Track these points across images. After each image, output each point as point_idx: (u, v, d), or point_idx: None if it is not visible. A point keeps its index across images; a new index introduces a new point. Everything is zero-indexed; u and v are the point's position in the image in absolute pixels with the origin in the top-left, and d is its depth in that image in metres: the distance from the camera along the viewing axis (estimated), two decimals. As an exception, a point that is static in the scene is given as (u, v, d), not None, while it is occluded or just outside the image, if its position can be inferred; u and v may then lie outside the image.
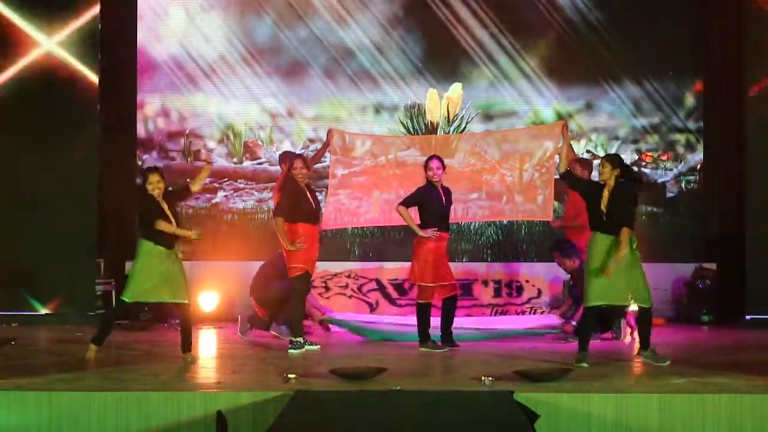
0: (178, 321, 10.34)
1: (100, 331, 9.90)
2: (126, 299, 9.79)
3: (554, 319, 12.06)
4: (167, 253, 9.76)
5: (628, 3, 13.65)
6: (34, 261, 12.67)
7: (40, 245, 12.64)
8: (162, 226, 9.68)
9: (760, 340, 10.04)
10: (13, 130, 12.85)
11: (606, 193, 9.66)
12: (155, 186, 9.72)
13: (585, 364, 9.61)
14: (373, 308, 13.28)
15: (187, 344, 9.96)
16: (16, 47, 12.91)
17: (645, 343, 9.88)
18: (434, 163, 10.58)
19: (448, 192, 10.75)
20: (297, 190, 10.61)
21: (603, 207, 9.61)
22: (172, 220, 9.75)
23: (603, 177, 9.69)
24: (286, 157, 11.77)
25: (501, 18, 13.67)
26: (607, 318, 11.43)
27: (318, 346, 10.65)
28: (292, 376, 8.62)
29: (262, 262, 11.92)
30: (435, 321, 10.73)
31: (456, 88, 13.60)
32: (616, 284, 9.64)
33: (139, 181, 10.10)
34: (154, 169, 9.94)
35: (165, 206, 9.74)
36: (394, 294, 13.33)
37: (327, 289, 13.23)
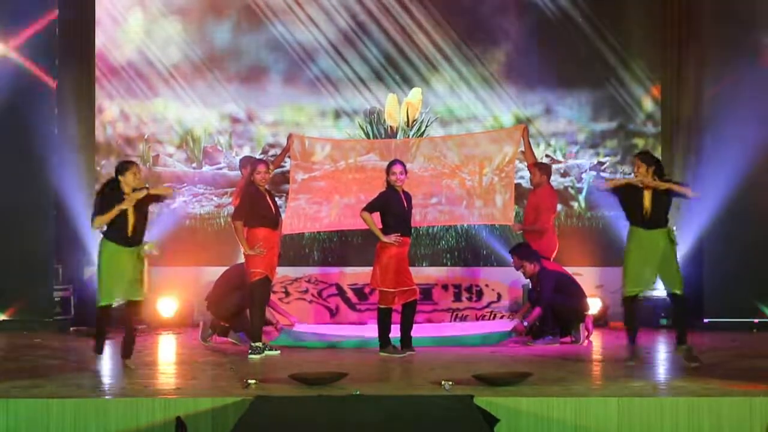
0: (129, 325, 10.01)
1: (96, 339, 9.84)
2: (101, 303, 9.68)
3: (508, 325, 12.12)
4: (126, 251, 9.62)
5: (585, 9, 13.70)
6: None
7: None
8: (97, 221, 9.57)
9: (717, 343, 10.15)
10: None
11: (646, 192, 9.89)
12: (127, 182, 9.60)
13: (632, 363, 9.88)
14: (333, 313, 13.28)
15: (129, 349, 9.88)
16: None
17: (682, 338, 10.01)
18: (397, 168, 10.60)
19: (408, 197, 10.78)
20: (257, 194, 10.59)
21: (646, 205, 9.87)
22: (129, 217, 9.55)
23: (639, 176, 9.93)
24: (247, 162, 11.79)
25: (460, 24, 13.70)
26: (567, 322, 11.51)
27: (278, 352, 10.64)
28: (251, 381, 8.61)
29: (220, 268, 11.90)
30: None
31: (416, 93, 13.64)
32: (646, 272, 9.94)
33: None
34: (131, 164, 9.77)
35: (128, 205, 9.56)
36: (354, 299, 13.33)
37: (287, 294, 13.21)
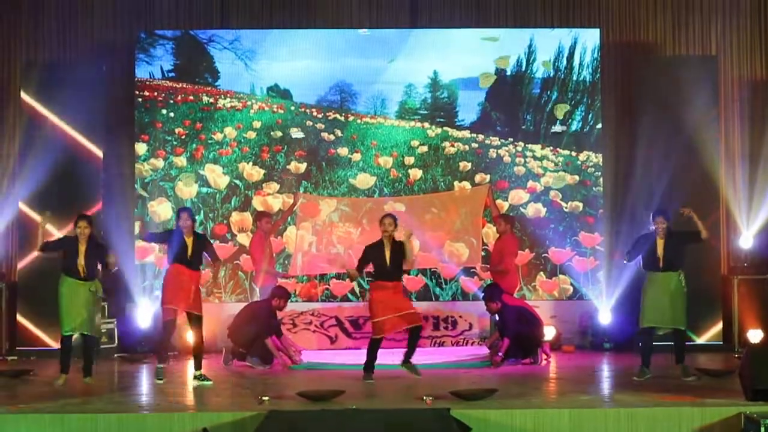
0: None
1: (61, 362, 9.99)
2: (65, 333, 9.90)
3: (484, 350, 12.11)
4: (81, 284, 9.84)
5: (550, 95, 13.77)
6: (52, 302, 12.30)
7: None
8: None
9: (652, 364, 10.22)
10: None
11: (659, 241, 10.13)
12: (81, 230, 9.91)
13: (638, 379, 10.00)
14: (333, 341, 13.19)
15: (89, 371, 10.00)
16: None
17: (680, 358, 10.20)
18: (385, 220, 10.22)
19: (397, 246, 10.18)
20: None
21: (659, 252, 10.12)
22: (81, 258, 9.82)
23: (657, 225, 10.18)
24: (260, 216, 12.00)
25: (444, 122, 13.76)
26: (528, 347, 11.46)
27: (210, 382, 10.04)
28: (265, 398, 8.59)
29: (238, 305, 11.93)
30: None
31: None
32: (663, 312, 10.10)
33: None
34: (83, 217, 10.08)
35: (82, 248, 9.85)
36: (350, 329, 13.26)
37: (294, 325, 13.12)
